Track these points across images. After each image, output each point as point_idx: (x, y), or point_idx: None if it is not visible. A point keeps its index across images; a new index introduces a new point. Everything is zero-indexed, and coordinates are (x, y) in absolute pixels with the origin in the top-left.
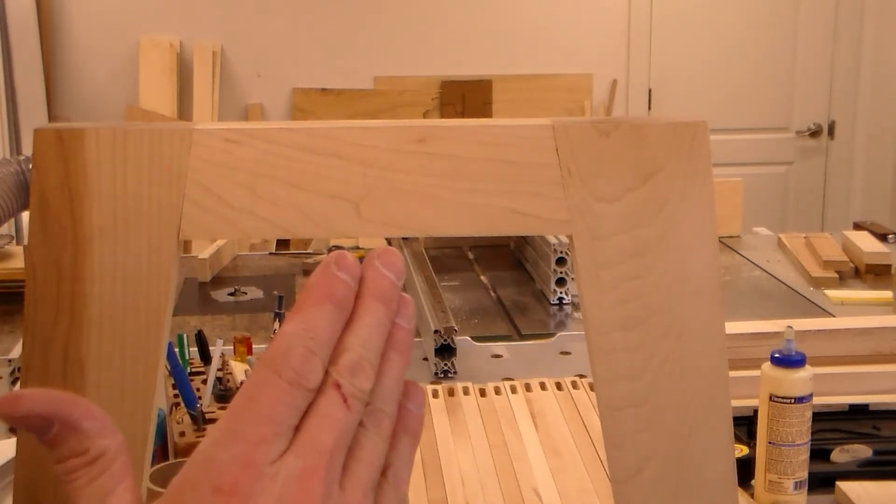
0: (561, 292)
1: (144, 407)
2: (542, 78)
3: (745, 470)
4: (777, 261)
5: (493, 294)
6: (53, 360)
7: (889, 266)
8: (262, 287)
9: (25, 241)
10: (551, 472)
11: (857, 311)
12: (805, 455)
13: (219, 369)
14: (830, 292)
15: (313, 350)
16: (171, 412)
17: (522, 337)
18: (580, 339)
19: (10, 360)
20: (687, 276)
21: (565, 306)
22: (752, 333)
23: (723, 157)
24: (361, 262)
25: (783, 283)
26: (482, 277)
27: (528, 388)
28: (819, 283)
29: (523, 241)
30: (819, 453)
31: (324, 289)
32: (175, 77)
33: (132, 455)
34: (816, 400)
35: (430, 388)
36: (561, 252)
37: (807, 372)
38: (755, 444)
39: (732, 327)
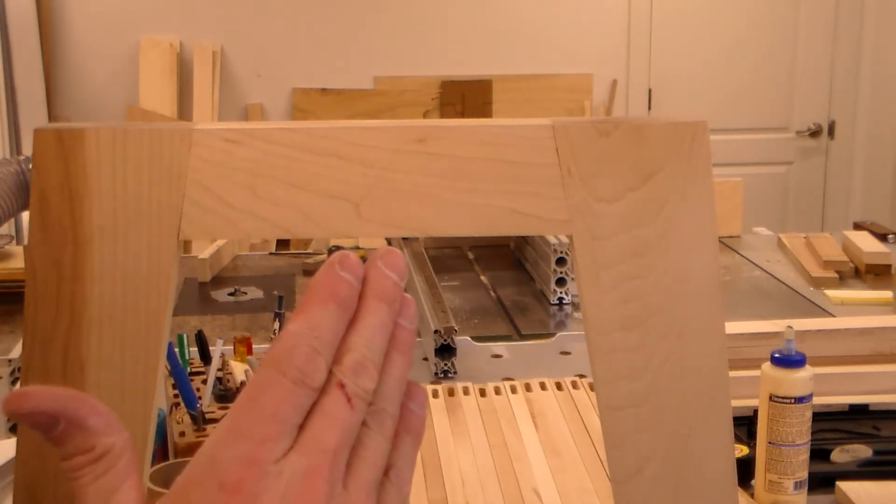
0: (561, 292)
1: (144, 407)
2: (542, 78)
3: (745, 470)
4: (777, 261)
5: (493, 294)
6: (53, 360)
7: (889, 266)
8: (262, 287)
9: (25, 241)
10: (551, 472)
11: (857, 311)
12: (805, 455)
13: (219, 369)
14: (830, 292)
15: (317, 349)
16: (171, 412)
17: (522, 337)
18: (580, 339)
19: (10, 360)
20: (687, 276)
21: (565, 306)
22: (752, 333)
23: (723, 157)
24: (364, 262)
25: (783, 283)
26: (482, 277)
27: (528, 388)
28: (819, 283)
29: (523, 241)
30: (819, 453)
31: (328, 288)
32: (175, 77)
33: None
34: (816, 400)
35: (430, 388)
36: (561, 252)
37: (807, 372)
38: (755, 444)
39: (732, 327)
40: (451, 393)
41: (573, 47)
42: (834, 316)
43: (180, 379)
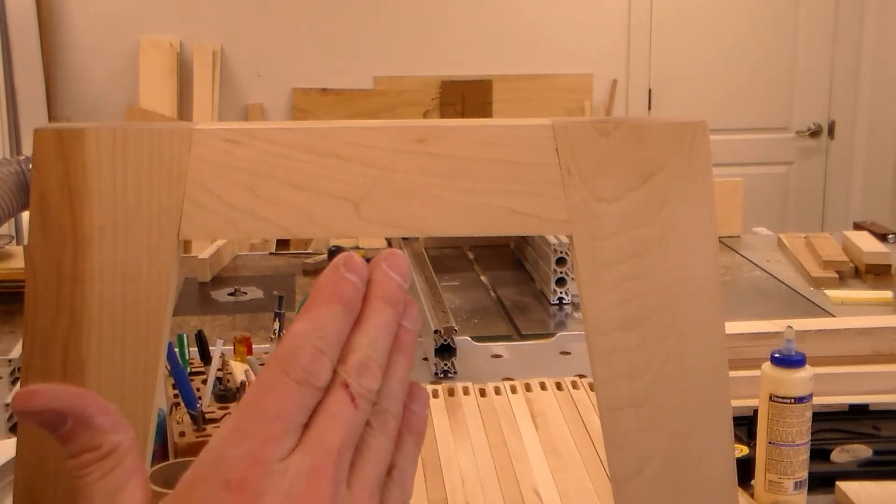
0: (561, 292)
1: (144, 407)
2: (542, 78)
3: (745, 470)
4: (777, 261)
5: (493, 294)
6: (53, 360)
7: (889, 266)
8: (262, 287)
9: (25, 241)
10: (551, 472)
11: (857, 311)
12: (805, 455)
13: (219, 369)
14: (830, 292)
15: (322, 349)
16: (171, 412)
17: (522, 337)
18: (580, 339)
19: (10, 360)
20: (687, 276)
21: (565, 306)
22: (752, 333)
23: (723, 157)
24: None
25: (783, 283)
26: (482, 277)
27: (528, 388)
28: (819, 283)
29: (523, 241)
30: (819, 453)
31: (333, 289)
32: (175, 77)
33: None
34: (816, 400)
35: (430, 388)
36: (561, 252)
37: (807, 372)
38: (755, 444)
39: (732, 327)
40: (451, 393)
41: (573, 47)
42: (834, 316)
43: (180, 379)
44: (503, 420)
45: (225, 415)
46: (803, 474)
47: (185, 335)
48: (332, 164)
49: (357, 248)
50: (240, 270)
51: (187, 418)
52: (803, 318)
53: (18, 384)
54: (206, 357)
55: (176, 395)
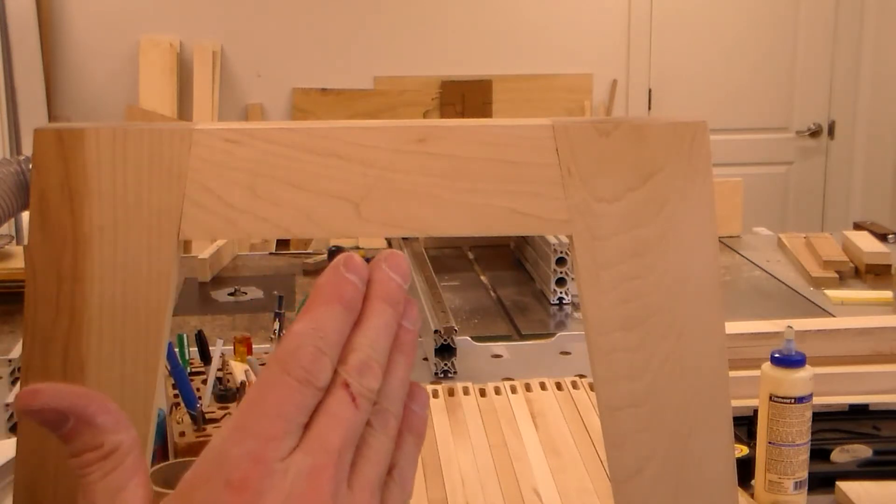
0: (561, 292)
1: (144, 407)
2: (542, 78)
3: (745, 470)
4: (777, 261)
5: (493, 294)
6: (53, 360)
7: (889, 266)
8: (262, 287)
9: (25, 241)
10: (551, 472)
11: (857, 311)
12: (805, 455)
13: (219, 369)
14: (830, 292)
15: (323, 349)
16: (171, 412)
17: (522, 337)
18: (580, 339)
19: (10, 360)
20: (687, 276)
21: (565, 306)
22: (752, 333)
23: (723, 157)
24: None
25: (783, 283)
26: (482, 277)
27: (528, 388)
28: (819, 283)
29: (523, 241)
30: (819, 453)
31: (333, 289)
32: (175, 77)
33: None
34: (816, 400)
35: (430, 388)
36: (561, 252)
37: (807, 372)
38: (755, 444)
39: (732, 327)
40: (451, 393)
41: (573, 47)
42: (834, 316)
43: (180, 379)
44: (503, 420)
45: (225, 415)
46: (803, 474)
47: (185, 335)
48: (332, 164)
49: (357, 248)
50: (240, 270)
51: (187, 418)
52: (803, 318)
53: (18, 384)
54: (206, 357)
55: (176, 395)
